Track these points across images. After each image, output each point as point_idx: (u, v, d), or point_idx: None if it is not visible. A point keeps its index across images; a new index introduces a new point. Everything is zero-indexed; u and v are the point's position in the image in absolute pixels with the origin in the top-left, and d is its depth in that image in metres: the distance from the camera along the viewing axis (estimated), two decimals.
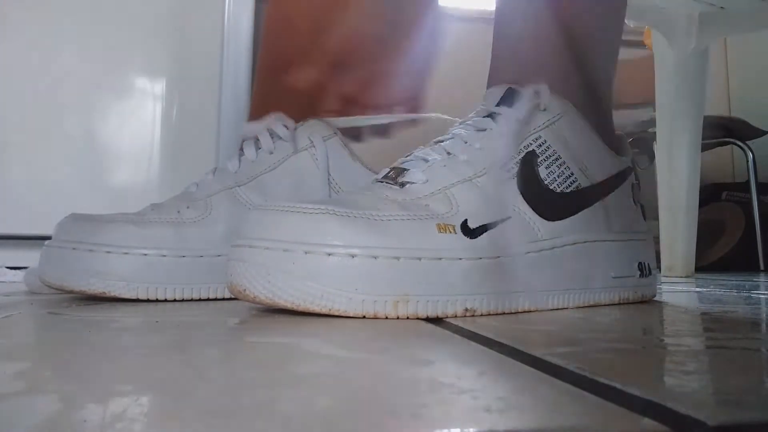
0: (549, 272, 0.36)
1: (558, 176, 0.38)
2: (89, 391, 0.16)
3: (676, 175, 1.04)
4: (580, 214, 0.38)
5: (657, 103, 1.07)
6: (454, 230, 0.33)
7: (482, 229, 0.33)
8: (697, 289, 0.63)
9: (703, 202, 1.15)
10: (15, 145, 1.13)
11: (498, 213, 0.35)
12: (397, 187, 0.35)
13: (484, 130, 0.38)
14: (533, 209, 0.36)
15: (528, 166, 0.37)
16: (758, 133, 1.57)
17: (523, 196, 0.36)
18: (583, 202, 0.39)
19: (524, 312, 0.34)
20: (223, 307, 0.38)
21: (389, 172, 0.37)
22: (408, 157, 0.38)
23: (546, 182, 0.37)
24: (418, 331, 0.27)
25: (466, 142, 0.37)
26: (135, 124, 1.17)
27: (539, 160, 0.37)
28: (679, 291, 0.60)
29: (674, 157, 1.04)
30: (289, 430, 0.12)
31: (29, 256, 1.13)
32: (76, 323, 0.29)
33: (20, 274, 0.74)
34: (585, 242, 0.38)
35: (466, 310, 0.32)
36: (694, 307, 0.43)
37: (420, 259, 0.31)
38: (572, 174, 0.38)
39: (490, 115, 0.39)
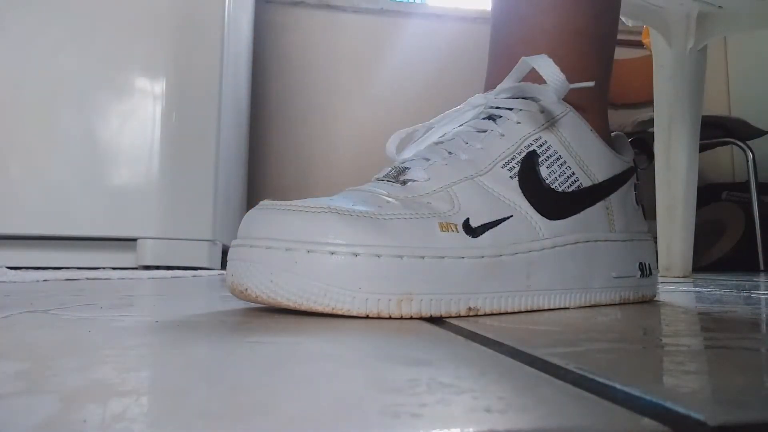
0: (550, 271, 0.36)
1: (559, 176, 0.38)
2: (89, 391, 0.16)
3: (675, 175, 1.04)
4: (581, 213, 0.39)
5: (655, 102, 1.07)
6: (456, 229, 0.33)
7: (484, 227, 0.34)
8: (697, 289, 0.63)
9: (703, 202, 1.15)
10: (15, 145, 1.13)
11: (500, 211, 0.35)
12: (398, 185, 0.35)
13: (485, 131, 0.38)
14: (534, 208, 0.36)
15: (529, 165, 0.37)
16: (758, 133, 1.57)
17: (524, 195, 0.36)
18: (584, 201, 0.39)
19: (526, 312, 0.34)
20: (223, 307, 0.38)
21: (390, 171, 0.37)
22: (409, 157, 0.38)
23: (547, 182, 0.37)
24: (418, 331, 0.27)
25: (466, 143, 0.38)
26: (135, 124, 1.17)
27: (540, 159, 0.37)
28: (679, 291, 0.60)
29: (672, 156, 1.04)
30: (289, 430, 0.12)
31: (29, 256, 1.14)
32: (76, 323, 0.29)
33: (20, 274, 0.74)
34: (587, 242, 0.38)
35: (470, 309, 0.32)
36: (694, 307, 0.43)
37: (423, 257, 0.31)
38: (573, 173, 0.39)
39: (491, 117, 0.39)
